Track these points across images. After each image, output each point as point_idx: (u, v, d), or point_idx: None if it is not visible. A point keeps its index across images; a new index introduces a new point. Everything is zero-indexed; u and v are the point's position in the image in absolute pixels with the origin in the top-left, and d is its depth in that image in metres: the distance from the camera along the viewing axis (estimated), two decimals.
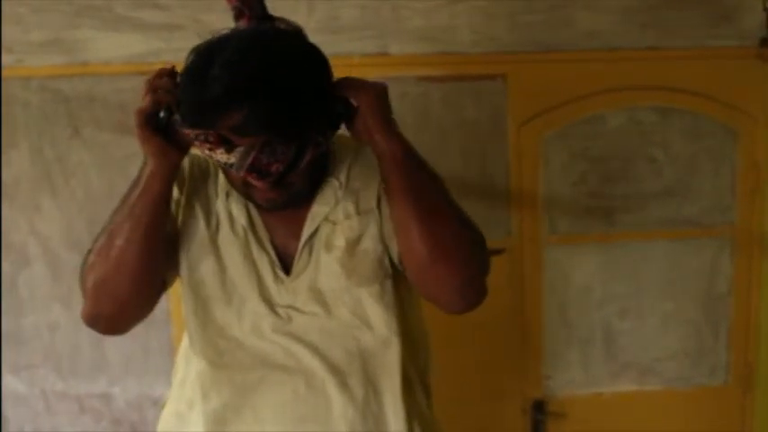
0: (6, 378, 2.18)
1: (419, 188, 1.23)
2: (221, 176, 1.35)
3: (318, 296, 1.34)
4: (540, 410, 2.35)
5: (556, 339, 2.33)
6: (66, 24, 2.02)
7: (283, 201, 1.28)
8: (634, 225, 2.29)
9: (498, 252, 2.23)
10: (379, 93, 1.21)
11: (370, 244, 1.34)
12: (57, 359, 2.19)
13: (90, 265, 1.27)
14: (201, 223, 1.35)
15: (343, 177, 1.36)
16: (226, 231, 1.35)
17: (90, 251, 1.28)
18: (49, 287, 2.15)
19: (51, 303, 2.16)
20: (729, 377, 2.41)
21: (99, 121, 2.07)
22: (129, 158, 2.05)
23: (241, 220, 1.34)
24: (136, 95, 2.00)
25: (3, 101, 2.04)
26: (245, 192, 1.28)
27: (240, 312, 1.34)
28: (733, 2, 2.17)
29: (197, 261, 1.35)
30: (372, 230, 1.34)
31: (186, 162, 1.38)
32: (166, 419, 1.45)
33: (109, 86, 2.05)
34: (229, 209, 1.35)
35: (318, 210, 1.34)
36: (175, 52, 2.02)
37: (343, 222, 1.34)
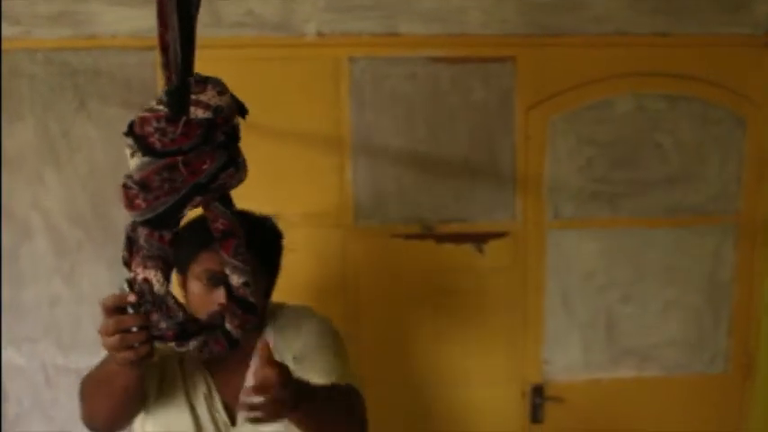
0: (6, 351, 2.18)
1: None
2: None
3: None
4: (538, 395, 2.36)
5: (556, 324, 2.34)
6: None
7: (254, 324, 1.34)
8: (638, 211, 2.28)
9: (501, 235, 2.24)
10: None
11: None
12: (57, 333, 2.19)
13: (80, 396, 1.45)
14: (179, 383, 1.50)
15: (279, 344, 1.53)
16: (192, 394, 1.50)
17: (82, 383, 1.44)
18: (50, 261, 2.15)
19: (52, 277, 2.16)
20: (729, 365, 2.41)
21: (105, 95, 2.06)
22: None
23: (202, 387, 1.50)
24: (141, 70, 2.03)
25: (8, 73, 2.02)
26: (221, 319, 1.31)
27: None
28: None
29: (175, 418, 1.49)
30: None
31: None
32: None
33: (115, 60, 2.04)
34: (192, 374, 1.51)
35: None
36: None
37: None
